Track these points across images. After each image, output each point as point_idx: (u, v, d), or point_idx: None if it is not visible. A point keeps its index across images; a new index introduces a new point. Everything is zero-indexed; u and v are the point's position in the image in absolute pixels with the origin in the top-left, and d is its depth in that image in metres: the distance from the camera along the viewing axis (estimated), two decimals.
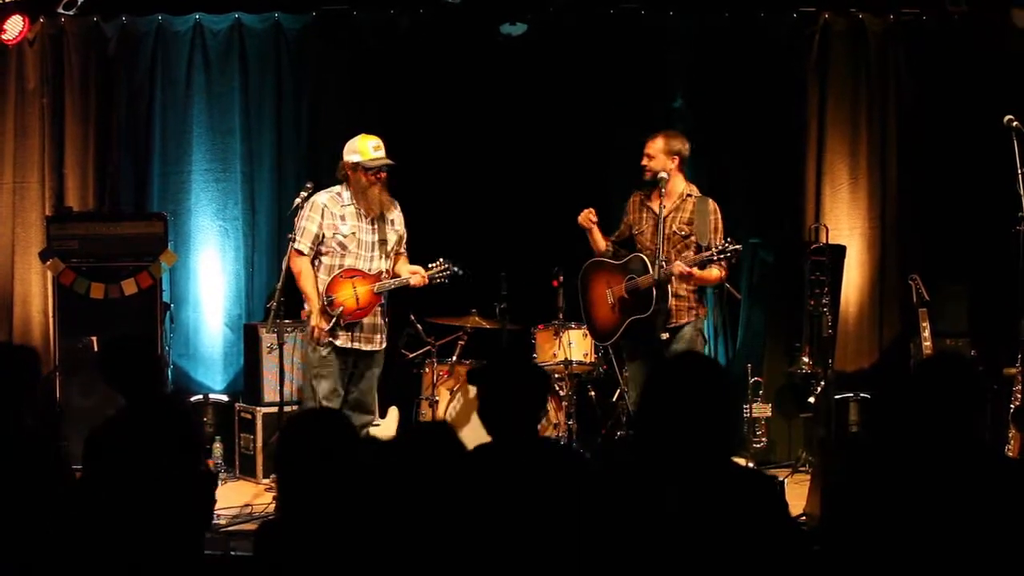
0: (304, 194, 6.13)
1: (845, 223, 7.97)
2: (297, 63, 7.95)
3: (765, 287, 7.72)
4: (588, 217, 6.32)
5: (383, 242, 6.20)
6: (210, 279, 7.94)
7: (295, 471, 2.97)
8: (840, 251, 7.60)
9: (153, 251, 7.29)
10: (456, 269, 6.23)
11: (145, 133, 7.86)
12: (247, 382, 7.55)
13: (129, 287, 7.21)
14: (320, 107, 7.93)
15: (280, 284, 6.11)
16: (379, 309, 6.22)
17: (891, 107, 8.01)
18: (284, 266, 6.15)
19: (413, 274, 6.19)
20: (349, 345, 6.14)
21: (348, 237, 6.13)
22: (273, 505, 5.55)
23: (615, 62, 7.91)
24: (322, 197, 6.17)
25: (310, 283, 6.13)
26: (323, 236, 6.12)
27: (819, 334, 7.17)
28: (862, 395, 7.56)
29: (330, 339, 6.09)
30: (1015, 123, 6.26)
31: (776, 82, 7.97)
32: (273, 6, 7.86)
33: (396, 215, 6.31)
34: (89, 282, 7.19)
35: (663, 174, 6.06)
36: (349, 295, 6.07)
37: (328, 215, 6.12)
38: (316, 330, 6.07)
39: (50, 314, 7.49)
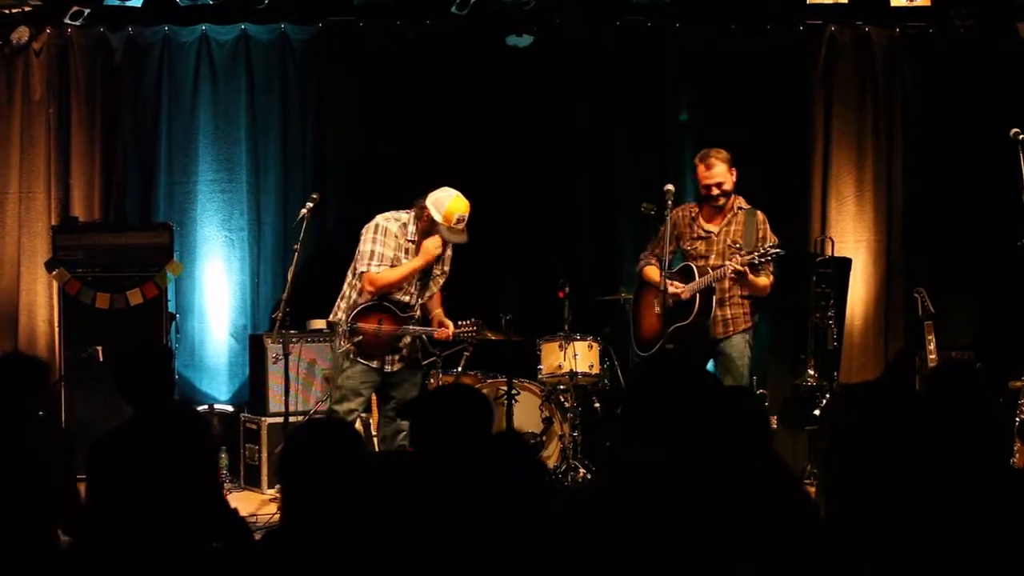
0: (310, 204, 6.12)
1: (851, 235, 7.97)
2: (303, 74, 7.96)
3: (770, 299, 7.70)
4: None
5: (425, 277, 6.05)
6: (215, 289, 7.94)
7: (299, 481, 2.96)
8: (846, 263, 7.60)
9: (159, 261, 7.30)
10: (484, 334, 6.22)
11: (151, 143, 7.88)
12: (252, 392, 7.54)
13: (134, 297, 7.22)
14: (326, 118, 7.94)
15: (285, 295, 6.09)
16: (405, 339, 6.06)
17: (897, 120, 8.02)
18: (344, 291, 6.00)
19: (441, 326, 6.08)
20: (377, 365, 5.99)
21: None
22: (278, 515, 5.54)
23: (621, 74, 7.91)
24: (392, 226, 5.94)
25: (398, 270, 5.91)
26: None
27: (824, 346, 7.16)
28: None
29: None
30: (1021, 136, 6.25)
31: (782, 94, 7.97)
32: (279, 17, 7.87)
33: (448, 254, 6.14)
34: (94, 292, 7.19)
35: (669, 186, 6.18)
36: (372, 330, 5.90)
37: (397, 245, 5.93)
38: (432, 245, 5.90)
39: (55, 324, 7.50)
